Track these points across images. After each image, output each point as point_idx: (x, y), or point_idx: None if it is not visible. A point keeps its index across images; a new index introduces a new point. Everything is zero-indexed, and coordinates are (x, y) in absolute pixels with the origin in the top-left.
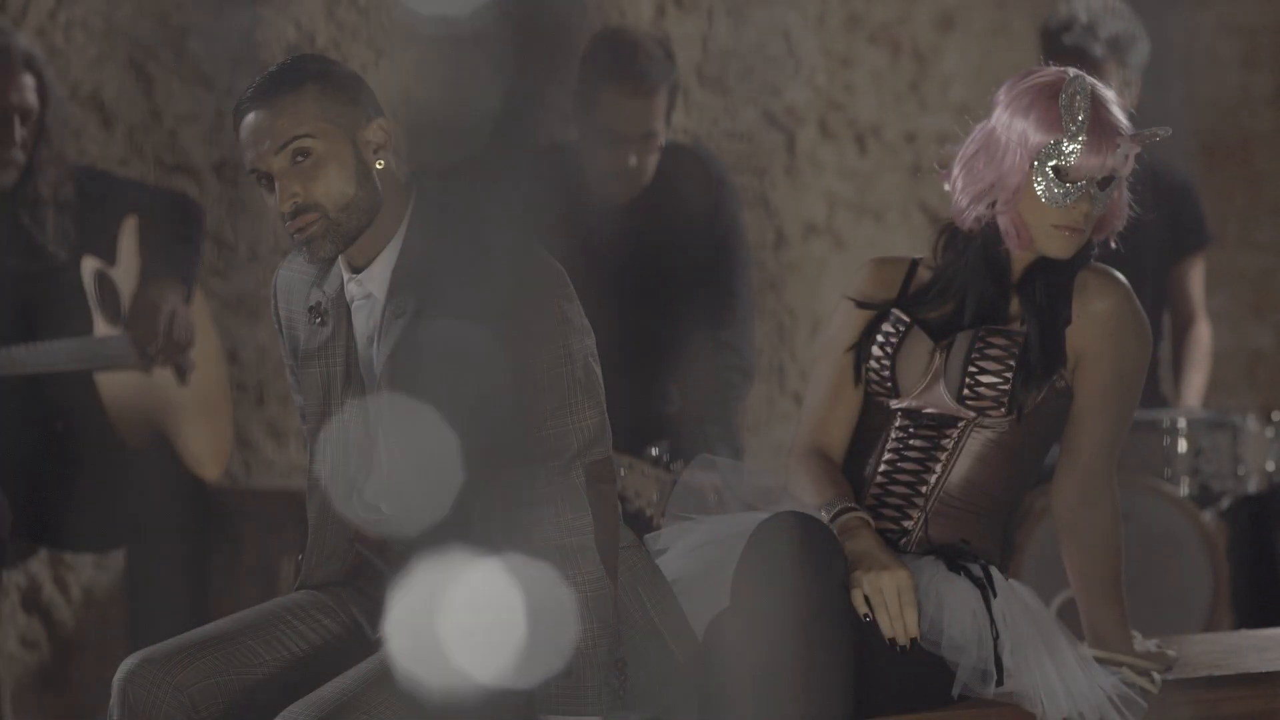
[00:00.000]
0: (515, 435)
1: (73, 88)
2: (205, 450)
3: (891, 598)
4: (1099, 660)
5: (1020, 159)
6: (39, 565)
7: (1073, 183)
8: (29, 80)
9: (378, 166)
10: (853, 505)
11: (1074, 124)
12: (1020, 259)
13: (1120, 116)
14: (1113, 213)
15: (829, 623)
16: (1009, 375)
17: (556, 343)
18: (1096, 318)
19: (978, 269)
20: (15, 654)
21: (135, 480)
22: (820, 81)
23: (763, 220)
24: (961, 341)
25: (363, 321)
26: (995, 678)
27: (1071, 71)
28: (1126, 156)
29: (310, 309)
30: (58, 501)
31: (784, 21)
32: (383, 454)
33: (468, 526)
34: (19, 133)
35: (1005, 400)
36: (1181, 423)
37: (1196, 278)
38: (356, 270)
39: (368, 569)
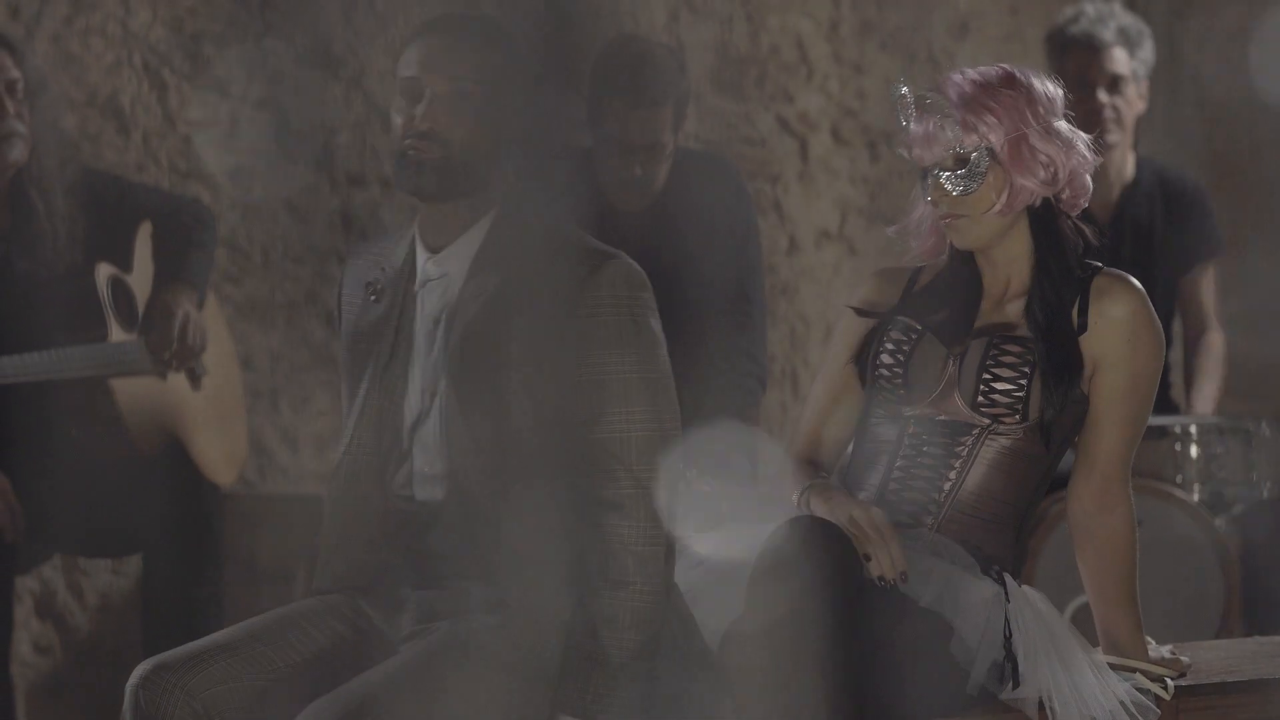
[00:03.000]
0: (583, 435)
1: (89, 94)
2: (219, 456)
3: (872, 530)
4: (1112, 666)
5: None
6: (52, 571)
7: (926, 171)
8: (2, 52)
9: None
10: (817, 479)
11: (904, 119)
12: (1020, 268)
13: (942, 97)
14: (1015, 187)
15: (843, 629)
16: (1024, 382)
17: (631, 347)
18: (1114, 324)
19: (954, 274)
20: (28, 660)
21: (150, 486)
22: (833, 88)
23: (775, 226)
24: (975, 349)
25: (434, 301)
26: (1009, 682)
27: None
28: (961, 127)
29: (366, 285)
30: (73, 507)
31: (797, 28)
32: (441, 437)
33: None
34: (10, 104)
35: (1020, 407)
36: (1194, 429)
37: (1209, 285)
38: (435, 251)
39: (390, 569)
